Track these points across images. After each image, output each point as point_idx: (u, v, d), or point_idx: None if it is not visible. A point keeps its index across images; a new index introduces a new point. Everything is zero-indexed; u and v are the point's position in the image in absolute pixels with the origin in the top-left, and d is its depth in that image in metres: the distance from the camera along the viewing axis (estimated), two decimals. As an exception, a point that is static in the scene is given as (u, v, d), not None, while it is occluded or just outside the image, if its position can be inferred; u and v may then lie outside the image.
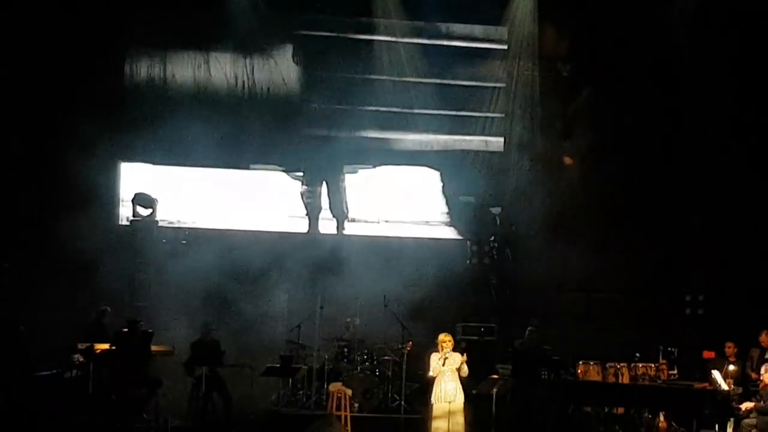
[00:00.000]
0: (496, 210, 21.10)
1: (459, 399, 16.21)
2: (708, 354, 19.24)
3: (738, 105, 20.96)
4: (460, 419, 16.18)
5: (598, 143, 20.76)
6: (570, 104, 20.95)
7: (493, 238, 21.00)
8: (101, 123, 20.04)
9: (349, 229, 21.64)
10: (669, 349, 19.36)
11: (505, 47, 21.77)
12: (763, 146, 20.99)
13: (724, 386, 18.09)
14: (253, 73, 21.15)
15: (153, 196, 20.24)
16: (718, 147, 21.26)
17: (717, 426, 17.68)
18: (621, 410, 18.98)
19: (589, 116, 20.87)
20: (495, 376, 18.39)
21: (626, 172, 21.10)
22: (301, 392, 19.52)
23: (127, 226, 20.26)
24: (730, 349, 18.77)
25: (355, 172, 21.69)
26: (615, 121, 20.55)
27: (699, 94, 21.22)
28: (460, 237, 21.65)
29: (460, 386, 16.26)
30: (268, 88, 21.21)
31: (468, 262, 21.10)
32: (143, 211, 20.03)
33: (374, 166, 21.70)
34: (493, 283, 20.77)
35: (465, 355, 16.38)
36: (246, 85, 21.13)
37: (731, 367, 18.64)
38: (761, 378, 17.68)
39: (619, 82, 20.78)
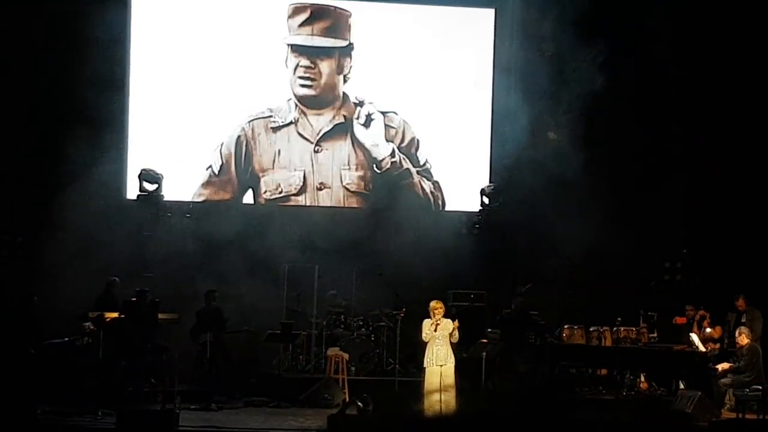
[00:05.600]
0: (487, 186, 21.25)
1: (450, 363, 16.23)
2: (680, 320, 19.72)
3: (720, 74, 21.03)
4: (451, 382, 16.22)
5: (582, 118, 20.81)
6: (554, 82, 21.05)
7: (481, 210, 21.10)
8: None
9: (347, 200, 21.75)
10: (649, 313, 19.87)
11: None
12: (744, 116, 21.05)
13: (702, 348, 18.60)
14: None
15: (159, 172, 20.32)
16: (700, 117, 21.37)
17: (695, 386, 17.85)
18: (604, 371, 19.43)
19: (573, 91, 20.88)
20: (484, 341, 18.49)
21: (608, 144, 21.14)
22: (300, 357, 19.91)
23: (134, 200, 20.36)
24: (705, 320, 19.22)
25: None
26: (599, 97, 20.59)
27: (680, 66, 21.39)
28: (452, 209, 21.77)
29: (451, 350, 16.29)
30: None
31: (459, 232, 21.13)
32: (149, 187, 20.12)
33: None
34: (482, 252, 20.78)
35: (456, 321, 16.46)
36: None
37: (707, 330, 19.07)
38: (737, 340, 18.05)
39: (601, 57, 20.83)
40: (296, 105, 21.69)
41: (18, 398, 15.78)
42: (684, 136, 21.62)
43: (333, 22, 21.78)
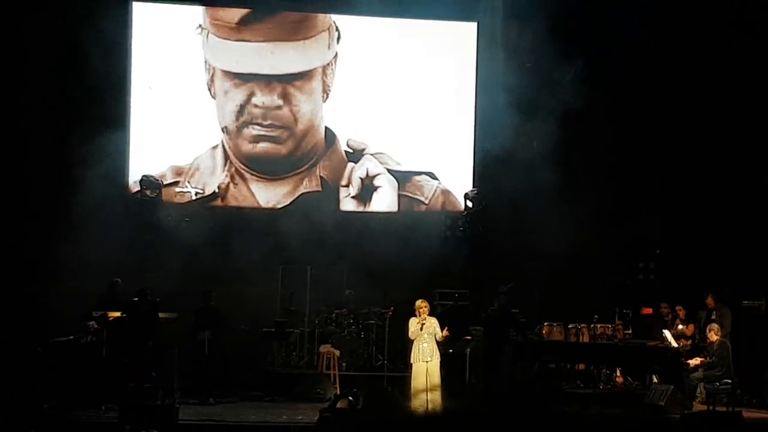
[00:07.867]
0: (471, 191, 21.51)
1: (435, 359, 16.54)
2: (646, 310, 20.09)
3: (695, 82, 21.10)
4: (436, 376, 16.52)
5: (562, 126, 20.93)
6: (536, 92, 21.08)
7: (465, 213, 21.42)
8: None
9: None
10: (624, 311, 20.26)
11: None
12: (718, 121, 21.12)
13: (674, 344, 18.95)
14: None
15: (158, 178, 20.61)
16: (673, 117, 21.48)
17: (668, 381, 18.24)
18: (582, 366, 19.77)
19: (555, 101, 20.95)
20: (468, 337, 18.98)
21: (587, 151, 21.30)
22: (294, 354, 20.14)
23: (136, 205, 20.42)
24: (681, 312, 19.62)
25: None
26: (579, 105, 20.57)
27: (657, 74, 21.40)
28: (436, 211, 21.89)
29: (436, 347, 16.61)
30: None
31: (444, 234, 21.48)
32: (150, 193, 20.37)
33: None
34: (466, 253, 21.13)
35: (447, 330, 16.71)
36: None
37: (680, 326, 19.42)
38: (708, 336, 18.51)
39: (581, 68, 21.06)
40: (230, 164, 21.31)
41: (25, 393, 16.14)
42: (657, 143, 21.80)
43: (300, 18, 20.17)
